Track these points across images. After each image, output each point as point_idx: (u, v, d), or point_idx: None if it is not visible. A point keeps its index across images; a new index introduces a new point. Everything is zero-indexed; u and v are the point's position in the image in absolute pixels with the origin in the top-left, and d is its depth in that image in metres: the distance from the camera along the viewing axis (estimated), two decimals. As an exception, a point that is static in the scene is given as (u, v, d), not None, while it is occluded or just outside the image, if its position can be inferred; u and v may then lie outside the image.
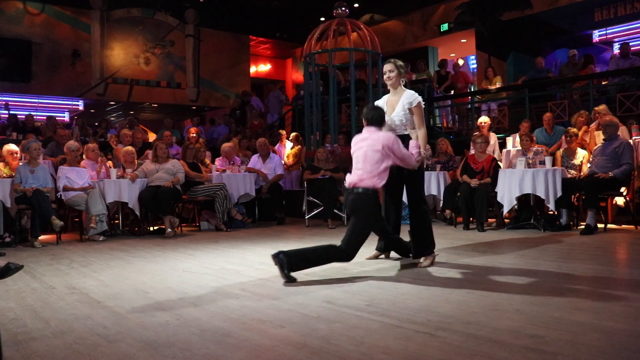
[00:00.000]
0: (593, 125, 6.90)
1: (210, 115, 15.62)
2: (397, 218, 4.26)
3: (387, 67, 4.16)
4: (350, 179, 3.83)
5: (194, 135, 9.24)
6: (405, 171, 4.05)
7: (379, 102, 4.26)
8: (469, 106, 10.66)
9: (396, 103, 4.11)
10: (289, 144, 9.91)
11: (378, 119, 3.91)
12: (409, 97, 4.07)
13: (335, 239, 5.65)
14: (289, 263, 3.47)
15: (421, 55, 14.20)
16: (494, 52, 12.53)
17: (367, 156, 3.78)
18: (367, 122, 3.93)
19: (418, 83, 10.68)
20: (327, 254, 3.68)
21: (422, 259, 3.99)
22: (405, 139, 4.08)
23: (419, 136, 4.07)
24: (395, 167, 4.08)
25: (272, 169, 7.83)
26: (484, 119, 7.98)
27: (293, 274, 3.49)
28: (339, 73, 10.49)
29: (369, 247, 4.34)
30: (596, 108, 7.00)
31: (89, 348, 2.25)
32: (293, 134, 9.79)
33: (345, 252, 3.66)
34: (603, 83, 9.19)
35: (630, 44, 10.60)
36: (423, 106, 4.13)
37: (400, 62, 4.18)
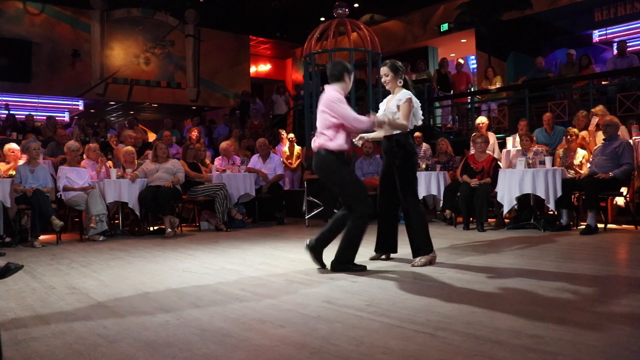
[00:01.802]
0: (591, 127, 6.90)
1: (209, 116, 15.62)
2: (393, 217, 4.25)
3: (381, 71, 4.17)
4: (313, 144, 3.95)
5: (197, 134, 9.25)
6: (394, 169, 4.04)
7: (382, 104, 4.29)
8: (469, 106, 10.66)
9: (390, 102, 4.14)
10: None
11: (334, 74, 3.93)
12: (399, 95, 4.06)
13: (335, 239, 5.66)
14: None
15: (421, 55, 14.19)
16: (494, 52, 12.52)
17: (318, 117, 3.91)
18: (328, 78, 3.98)
19: (418, 83, 10.67)
20: (355, 233, 3.83)
21: (416, 259, 3.99)
22: (397, 136, 4.02)
23: (388, 119, 3.96)
24: (387, 165, 4.10)
25: (272, 169, 7.83)
26: (482, 119, 7.98)
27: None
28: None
29: (369, 247, 4.35)
30: (593, 110, 7.00)
31: (89, 348, 2.25)
32: (287, 135, 9.83)
33: (361, 215, 3.80)
34: (603, 83, 9.19)
35: (630, 43, 10.61)
36: (415, 105, 4.04)
37: (396, 64, 4.12)
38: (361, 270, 3.78)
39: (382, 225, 4.24)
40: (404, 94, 4.03)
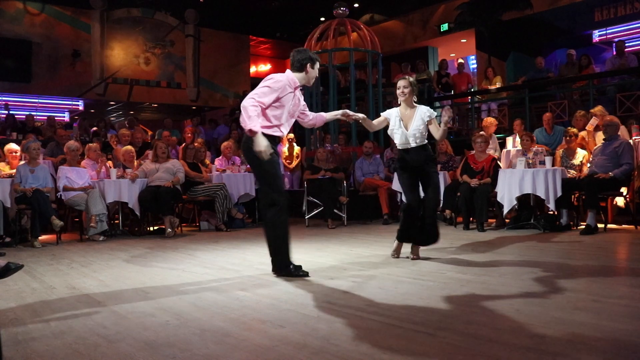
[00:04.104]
0: (589, 127, 6.87)
1: (209, 116, 15.63)
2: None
3: (402, 82, 4.23)
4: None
5: (190, 135, 9.24)
6: (429, 174, 4.26)
7: (391, 112, 4.34)
8: (469, 106, 10.66)
9: (411, 117, 4.21)
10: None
11: (294, 63, 3.76)
12: (429, 110, 4.23)
13: (335, 239, 5.67)
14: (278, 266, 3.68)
15: (421, 55, 14.20)
16: (494, 52, 12.52)
17: None
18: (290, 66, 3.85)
19: (418, 83, 10.64)
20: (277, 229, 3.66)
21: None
22: (425, 148, 4.26)
23: (440, 136, 4.26)
24: (418, 170, 4.26)
25: (272, 169, 7.81)
26: (489, 120, 7.98)
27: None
28: (339, 73, 10.49)
29: (385, 245, 4.34)
30: (592, 110, 6.99)
31: (89, 348, 2.25)
32: (286, 135, 9.79)
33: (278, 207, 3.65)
34: (609, 81, 9.15)
35: (630, 43, 10.60)
36: None
37: (413, 79, 4.30)
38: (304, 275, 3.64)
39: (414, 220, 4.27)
40: (429, 110, 4.23)
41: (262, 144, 3.42)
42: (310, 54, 3.84)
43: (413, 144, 4.23)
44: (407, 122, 4.22)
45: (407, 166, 4.27)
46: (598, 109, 6.92)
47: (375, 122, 4.40)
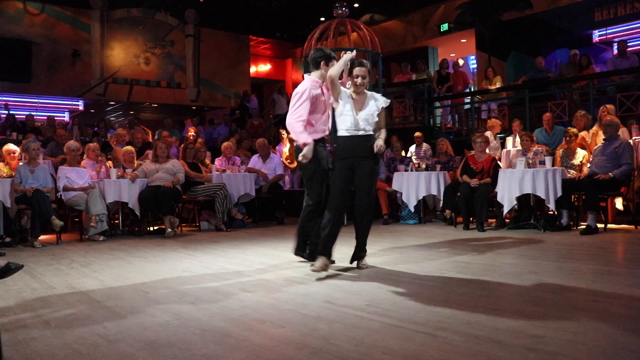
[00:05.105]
0: (596, 128, 6.84)
1: (209, 116, 15.64)
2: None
3: (362, 71, 3.81)
4: None
5: (193, 134, 9.24)
6: (366, 169, 3.83)
7: (343, 92, 3.91)
8: (468, 106, 10.65)
9: (362, 102, 3.85)
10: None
11: (311, 62, 4.03)
12: (382, 97, 3.91)
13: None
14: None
15: (421, 55, 14.20)
16: (494, 52, 12.53)
17: None
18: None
19: (418, 83, 10.67)
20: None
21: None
22: (370, 139, 3.81)
23: (382, 134, 3.87)
24: (353, 164, 3.86)
25: (272, 169, 7.83)
26: (495, 121, 7.99)
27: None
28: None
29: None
30: (608, 106, 6.94)
31: (89, 348, 2.25)
32: (287, 135, 9.80)
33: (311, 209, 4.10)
34: (617, 77, 9.13)
35: (631, 43, 10.59)
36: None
37: (369, 65, 3.94)
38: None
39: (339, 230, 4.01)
40: (382, 97, 3.93)
41: (309, 154, 3.84)
42: (326, 51, 4.03)
43: (362, 132, 3.80)
44: (359, 107, 3.82)
45: (346, 156, 3.84)
46: (611, 107, 6.91)
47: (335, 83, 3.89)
